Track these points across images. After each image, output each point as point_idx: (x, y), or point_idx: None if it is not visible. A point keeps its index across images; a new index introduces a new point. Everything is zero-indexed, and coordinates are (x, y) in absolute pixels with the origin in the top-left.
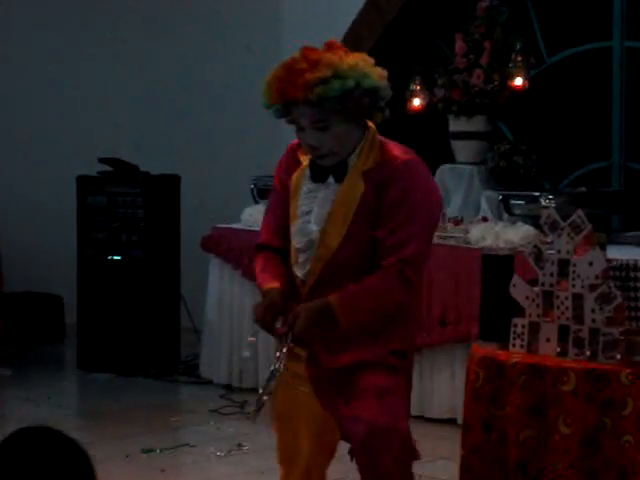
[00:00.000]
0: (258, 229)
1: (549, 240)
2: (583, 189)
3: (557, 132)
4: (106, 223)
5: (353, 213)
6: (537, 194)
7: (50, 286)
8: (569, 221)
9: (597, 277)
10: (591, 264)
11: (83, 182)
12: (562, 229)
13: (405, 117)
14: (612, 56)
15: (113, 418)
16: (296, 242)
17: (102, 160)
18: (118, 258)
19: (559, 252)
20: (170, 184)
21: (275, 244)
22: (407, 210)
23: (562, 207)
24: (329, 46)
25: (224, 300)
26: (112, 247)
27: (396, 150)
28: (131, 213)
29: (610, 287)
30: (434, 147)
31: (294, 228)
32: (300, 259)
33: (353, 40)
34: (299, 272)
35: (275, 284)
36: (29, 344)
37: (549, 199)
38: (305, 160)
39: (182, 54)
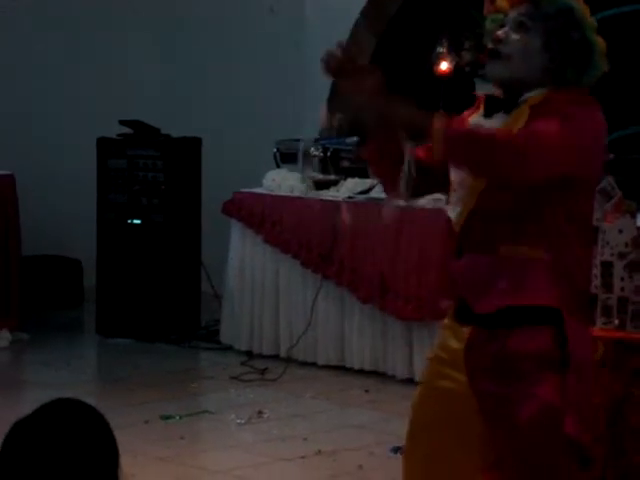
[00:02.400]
0: (281, 194)
1: None
2: (612, 156)
3: None
4: (126, 186)
5: None
6: None
7: (69, 250)
8: (599, 188)
9: (627, 245)
10: (621, 232)
11: (103, 144)
12: None
13: (432, 80)
14: None
15: (132, 384)
16: (453, 176)
17: (123, 122)
18: (138, 222)
19: None
20: (191, 147)
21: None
22: (552, 115)
23: None
24: None
25: (245, 265)
26: (132, 211)
27: (570, 93)
28: (152, 176)
29: None
30: (461, 111)
31: None
32: (453, 198)
33: (378, 4)
34: (452, 214)
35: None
36: (47, 308)
37: None
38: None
39: (205, 16)
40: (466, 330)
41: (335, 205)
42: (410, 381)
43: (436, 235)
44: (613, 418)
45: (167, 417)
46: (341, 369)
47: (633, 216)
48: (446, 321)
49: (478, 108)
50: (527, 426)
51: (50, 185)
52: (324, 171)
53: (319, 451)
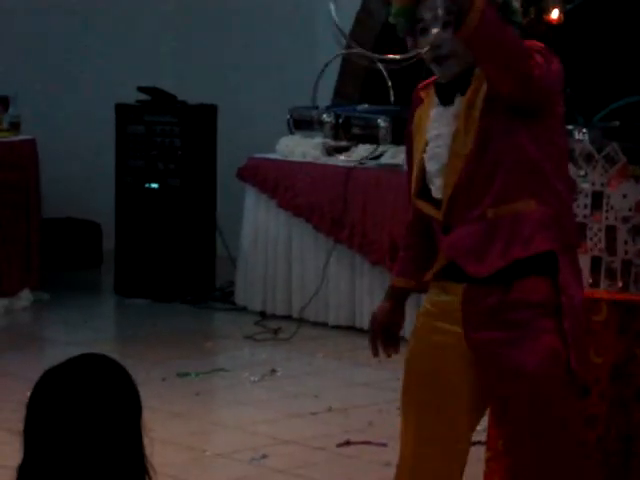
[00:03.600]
0: (294, 159)
1: (583, 172)
2: (617, 123)
3: (592, 66)
4: (144, 151)
5: (480, 110)
6: (571, 127)
7: (88, 213)
8: (603, 153)
9: (630, 209)
10: (625, 196)
11: (122, 110)
12: (596, 161)
13: None
14: None
15: (149, 343)
16: (430, 166)
17: (141, 89)
18: (155, 186)
19: (593, 184)
20: (207, 114)
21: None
22: None
23: (595, 141)
24: None
25: (259, 229)
26: (150, 175)
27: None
28: (169, 142)
29: None
30: None
31: (427, 154)
32: (436, 183)
33: None
34: (436, 193)
35: (398, 281)
36: (67, 269)
37: (583, 132)
38: (427, 94)
39: None
40: (459, 285)
41: (346, 171)
42: None
43: None
44: (617, 379)
45: (183, 375)
46: (351, 329)
47: (637, 181)
48: (431, 281)
49: (419, 101)
50: (536, 373)
51: (70, 150)
52: (336, 137)
53: (330, 408)
